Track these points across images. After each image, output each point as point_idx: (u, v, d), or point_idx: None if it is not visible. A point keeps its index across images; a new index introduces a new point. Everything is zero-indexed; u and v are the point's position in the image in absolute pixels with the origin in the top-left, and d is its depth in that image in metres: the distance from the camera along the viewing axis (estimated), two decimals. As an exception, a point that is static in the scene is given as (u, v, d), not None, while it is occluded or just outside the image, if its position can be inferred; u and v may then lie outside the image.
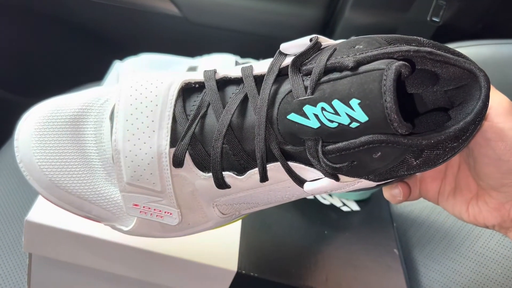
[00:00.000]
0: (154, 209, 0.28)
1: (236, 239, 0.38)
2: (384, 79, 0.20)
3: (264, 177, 0.26)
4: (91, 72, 0.61)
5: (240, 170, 0.26)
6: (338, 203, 0.46)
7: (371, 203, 0.47)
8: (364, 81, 0.21)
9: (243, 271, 0.36)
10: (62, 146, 0.28)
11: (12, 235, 0.46)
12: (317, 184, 0.25)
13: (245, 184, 0.26)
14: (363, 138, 0.22)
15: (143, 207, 0.28)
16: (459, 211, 0.30)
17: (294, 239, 0.41)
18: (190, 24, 0.66)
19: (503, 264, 0.43)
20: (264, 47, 0.67)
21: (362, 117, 0.21)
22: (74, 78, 0.65)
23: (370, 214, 0.46)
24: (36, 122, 0.29)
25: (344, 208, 0.46)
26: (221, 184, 0.27)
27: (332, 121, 0.22)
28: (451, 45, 0.56)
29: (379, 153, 0.22)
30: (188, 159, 0.26)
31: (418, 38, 0.24)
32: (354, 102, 0.21)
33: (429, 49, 0.23)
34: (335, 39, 0.26)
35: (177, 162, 0.26)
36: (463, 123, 0.22)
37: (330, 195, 0.46)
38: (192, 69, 0.46)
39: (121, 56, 0.55)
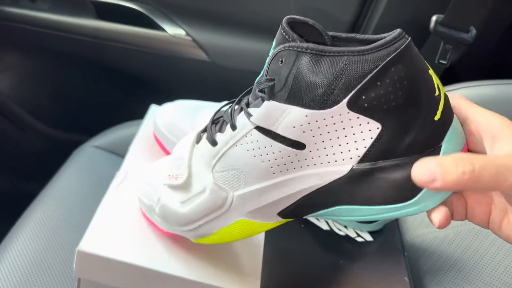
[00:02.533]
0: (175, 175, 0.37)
1: (258, 267, 0.42)
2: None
3: (233, 126, 0.33)
4: (129, 112, 0.68)
5: (222, 130, 0.34)
6: (352, 234, 0.50)
7: (384, 234, 0.51)
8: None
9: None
10: None
11: (63, 259, 0.51)
12: (256, 110, 0.31)
13: (224, 137, 0.33)
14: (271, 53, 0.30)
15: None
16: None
17: (312, 268, 0.45)
18: (217, 67, 0.72)
19: (508, 292, 0.46)
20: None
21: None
22: (114, 117, 0.72)
23: (383, 244, 0.50)
24: None
25: (359, 239, 0.50)
26: (213, 140, 0.34)
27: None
28: (457, 86, 0.60)
29: (281, 59, 0.29)
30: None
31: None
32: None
33: None
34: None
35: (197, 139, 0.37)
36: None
37: (345, 226, 0.51)
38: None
39: (157, 96, 0.61)
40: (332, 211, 0.32)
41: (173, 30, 0.72)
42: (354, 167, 0.30)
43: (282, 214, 0.34)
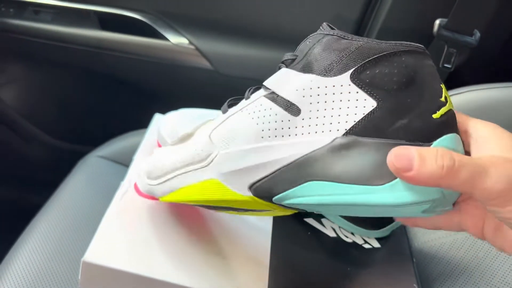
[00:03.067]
0: None
1: (264, 276, 0.42)
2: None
3: (247, 98, 0.35)
4: (133, 121, 0.68)
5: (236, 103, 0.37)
6: (360, 241, 0.49)
7: (392, 240, 0.51)
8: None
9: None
10: None
11: (69, 270, 0.51)
12: (271, 77, 0.33)
13: (234, 107, 0.36)
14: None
15: None
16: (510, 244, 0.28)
17: (319, 276, 0.44)
18: (221, 76, 0.72)
19: (519, 298, 0.46)
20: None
21: None
22: (118, 127, 0.72)
23: (391, 251, 0.50)
24: None
25: (366, 246, 0.49)
26: (225, 110, 0.36)
27: None
28: (463, 90, 0.60)
29: (309, 40, 0.32)
30: None
31: None
32: None
33: None
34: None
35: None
36: None
37: (352, 233, 0.50)
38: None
39: (160, 105, 0.61)
40: (303, 188, 0.31)
41: (176, 39, 0.72)
42: (336, 138, 0.30)
43: (253, 188, 0.33)
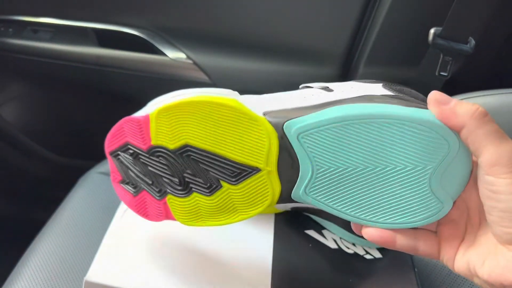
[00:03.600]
0: None
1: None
2: None
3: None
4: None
5: None
6: (361, 252, 0.50)
7: (393, 250, 0.51)
8: None
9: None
10: None
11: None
12: None
13: None
14: None
15: None
16: (474, 266, 0.29)
17: (321, 288, 0.44)
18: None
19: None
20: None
21: None
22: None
23: (392, 261, 0.50)
24: None
25: (367, 256, 0.49)
26: None
27: None
28: (461, 97, 0.60)
29: None
30: None
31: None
32: None
33: None
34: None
35: None
36: None
37: (354, 244, 0.50)
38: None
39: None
40: (328, 111, 0.32)
41: (173, 54, 0.73)
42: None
43: (269, 113, 0.34)
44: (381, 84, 0.36)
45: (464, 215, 0.32)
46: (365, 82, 0.38)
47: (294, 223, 0.51)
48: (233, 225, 0.48)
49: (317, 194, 0.33)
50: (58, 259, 0.55)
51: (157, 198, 0.38)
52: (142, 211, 0.40)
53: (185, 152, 0.35)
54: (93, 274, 0.40)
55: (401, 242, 0.32)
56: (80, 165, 0.76)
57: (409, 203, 0.31)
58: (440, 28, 0.59)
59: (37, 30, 0.76)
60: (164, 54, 0.73)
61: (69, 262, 0.54)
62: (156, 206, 0.38)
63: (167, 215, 0.38)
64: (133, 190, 0.39)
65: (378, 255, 0.50)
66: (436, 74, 0.62)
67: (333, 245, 0.49)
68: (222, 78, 0.72)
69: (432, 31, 0.60)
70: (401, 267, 0.49)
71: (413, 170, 0.30)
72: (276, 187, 0.34)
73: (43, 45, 0.76)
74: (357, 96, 0.34)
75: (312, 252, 0.48)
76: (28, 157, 0.92)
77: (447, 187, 0.31)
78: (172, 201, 0.37)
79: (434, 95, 0.29)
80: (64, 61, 0.76)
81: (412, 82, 0.68)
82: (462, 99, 0.60)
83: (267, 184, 0.34)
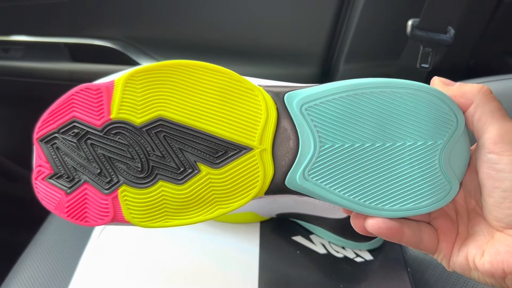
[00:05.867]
0: None
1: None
2: None
3: None
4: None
5: None
6: (351, 255, 0.48)
7: (384, 251, 0.49)
8: None
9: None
10: None
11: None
12: None
13: None
14: None
15: None
16: (473, 259, 0.28)
17: (310, 296, 0.43)
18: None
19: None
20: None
21: None
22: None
23: (384, 262, 0.48)
24: None
25: (358, 259, 0.48)
26: None
27: None
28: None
29: None
30: None
31: None
32: None
33: None
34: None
35: None
36: None
37: (343, 247, 0.48)
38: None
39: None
40: (323, 86, 0.29)
41: (148, 64, 0.71)
42: None
43: (267, 88, 0.30)
44: None
45: (453, 208, 0.31)
46: None
47: (281, 230, 0.49)
48: (216, 237, 0.47)
49: (317, 177, 0.29)
50: (42, 276, 0.53)
51: (105, 191, 0.30)
52: (78, 212, 0.30)
53: (156, 128, 0.29)
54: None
55: (408, 235, 0.29)
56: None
57: (418, 184, 0.29)
58: (417, 20, 0.58)
59: (8, 49, 0.74)
60: (139, 65, 0.71)
61: (53, 281, 0.53)
62: (101, 204, 0.30)
63: (115, 215, 0.30)
64: (67, 185, 0.31)
65: (369, 257, 0.48)
66: (418, 66, 0.60)
67: (322, 250, 0.48)
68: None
69: (410, 22, 0.59)
70: (394, 268, 0.47)
71: (423, 146, 0.28)
72: (268, 171, 0.29)
73: (14, 64, 0.74)
74: None
75: (300, 259, 0.47)
76: (10, 180, 0.90)
77: (454, 166, 0.29)
78: (126, 194, 0.30)
79: (438, 78, 0.29)
80: (37, 79, 0.74)
81: (394, 76, 0.66)
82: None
83: (258, 167, 0.29)
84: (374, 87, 0.28)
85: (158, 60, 0.71)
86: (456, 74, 0.68)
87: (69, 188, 0.30)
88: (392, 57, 0.66)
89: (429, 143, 0.29)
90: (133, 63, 0.71)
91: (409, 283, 0.46)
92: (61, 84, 0.73)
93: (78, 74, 0.72)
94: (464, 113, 0.28)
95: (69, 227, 0.61)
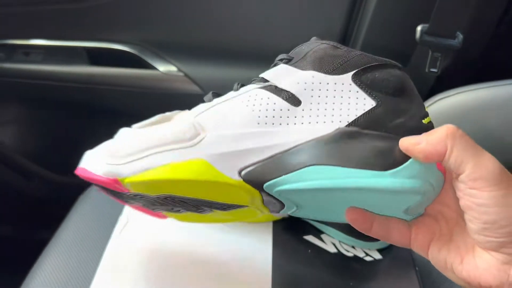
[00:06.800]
0: None
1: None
2: None
3: (236, 90, 0.36)
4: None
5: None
6: (361, 254, 0.50)
7: (393, 250, 0.51)
8: None
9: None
10: None
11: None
12: (268, 71, 0.36)
13: (222, 97, 0.37)
14: None
15: None
16: (451, 263, 0.29)
17: (322, 293, 0.44)
18: (212, 99, 0.73)
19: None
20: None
21: None
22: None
23: (393, 261, 0.50)
24: None
25: (367, 258, 0.49)
26: (210, 99, 0.37)
27: None
28: (452, 92, 0.60)
29: (305, 46, 0.37)
30: None
31: None
32: None
33: None
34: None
35: None
36: None
37: (353, 247, 0.50)
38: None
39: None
40: (302, 173, 0.30)
41: (164, 67, 0.73)
42: (340, 128, 0.31)
43: (244, 172, 0.32)
44: (350, 75, 0.33)
45: (437, 209, 0.32)
46: (331, 75, 0.34)
47: (293, 229, 0.51)
48: (231, 235, 0.49)
49: (304, 214, 0.38)
50: (63, 275, 0.55)
51: (152, 210, 0.40)
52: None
53: (169, 197, 0.35)
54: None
55: (375, 228, 0.33)
56: (80, 183, 0.76)
57: None
58: (426, 25, 0.59)
59: (28, 53, 0.77)
60: (155, 68, 0.73)
61: (74, 278, 0.54)
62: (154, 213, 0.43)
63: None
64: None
65: (378, 256, 0.50)
66: (426, 71, 0.62)
67: (332, 249, 0.49)
68: (214, 88, 0.72)
69: (419, 28, 0.60)
70: (402, 267, 0.49)
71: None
72: (265, 210, 0.37)
73: (35, 67, 0.77)
74: (331, 136, 0.31)
75: (311, 257, 0.48)
76: (28, 179, 0.92)
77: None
78: (165, 213, 0.40)
79: (403, 143, 0.29)
80: (56, 82, 0.76)
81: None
82: (454, 94, 0.60)
83: (256, 210, 0.37)
84: (338, 190, 0.30)
85: (173, 64, 0.73)
86: (465, 78, 0.69)
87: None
88: (401, 61, 0.67)
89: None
90: (149, 66, 0.73)
91: (417, 282, 0.47)
92: (80, 86, 0.75)
93: (97, 77, 0.75)
94: (442, 160, 0.28)
95: (88, 224, 0.63)
